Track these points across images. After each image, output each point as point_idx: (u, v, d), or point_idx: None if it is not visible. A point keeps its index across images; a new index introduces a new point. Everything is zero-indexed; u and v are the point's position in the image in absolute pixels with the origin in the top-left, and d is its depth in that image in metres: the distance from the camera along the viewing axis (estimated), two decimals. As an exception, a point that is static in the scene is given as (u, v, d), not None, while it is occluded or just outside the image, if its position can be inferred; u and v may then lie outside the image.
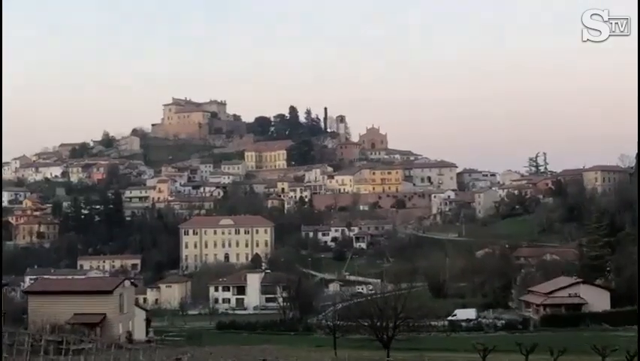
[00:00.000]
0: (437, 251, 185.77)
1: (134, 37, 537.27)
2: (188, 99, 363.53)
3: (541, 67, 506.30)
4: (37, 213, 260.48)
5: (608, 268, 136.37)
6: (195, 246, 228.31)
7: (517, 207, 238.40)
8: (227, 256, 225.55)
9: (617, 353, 59.34)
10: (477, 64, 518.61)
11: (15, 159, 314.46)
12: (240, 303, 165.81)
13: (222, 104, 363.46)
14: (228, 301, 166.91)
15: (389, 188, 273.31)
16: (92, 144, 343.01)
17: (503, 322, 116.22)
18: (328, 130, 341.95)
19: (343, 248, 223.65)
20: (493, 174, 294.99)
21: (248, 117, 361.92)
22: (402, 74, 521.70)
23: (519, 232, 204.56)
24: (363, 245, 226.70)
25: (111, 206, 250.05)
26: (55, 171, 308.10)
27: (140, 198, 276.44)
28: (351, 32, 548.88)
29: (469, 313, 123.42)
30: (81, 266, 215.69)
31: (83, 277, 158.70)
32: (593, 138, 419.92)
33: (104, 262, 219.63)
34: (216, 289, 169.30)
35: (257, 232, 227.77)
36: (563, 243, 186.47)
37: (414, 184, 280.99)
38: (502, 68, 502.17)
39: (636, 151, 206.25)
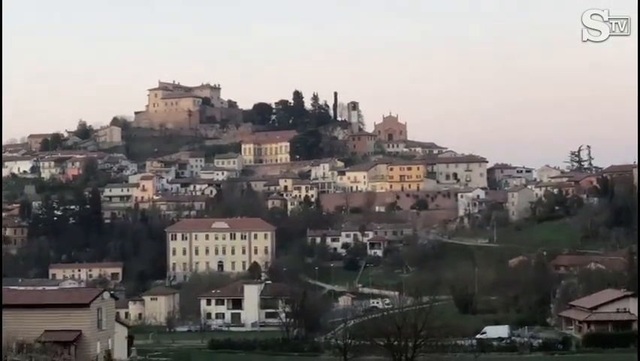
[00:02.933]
0: (464, 260, 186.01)
1: (114, 12, 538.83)
2: (176, 83, 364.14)
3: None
4: (2, 214, 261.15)
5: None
6: (184, 253, 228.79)
7: (556, 208, 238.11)
8: (221, 265, 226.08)
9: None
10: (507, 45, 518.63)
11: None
12: (235, 319, 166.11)
13: (216, 88, 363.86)
14: (222, 316, 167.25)
15: (409, 186, 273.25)
16: (66, 135, 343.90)
17: (540, 341, 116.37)
18: (338, 119, 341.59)
19: (356, 256, 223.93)
20: (528, 171, 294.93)
21: (245, 104, 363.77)
22: (422, 53, 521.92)
23: (559, 238, 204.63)
24: (379, 252, 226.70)
25: (88, 206, 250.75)
26: (24, 166, 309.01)
27: (122, 197, 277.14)
28: (361, 7, 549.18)
29: (501, 331, 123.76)
30: (53, 276, 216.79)
31: (56, 288, 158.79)
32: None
33: (79, 270, 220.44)
34: (208, 303, 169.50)
35: (255, 236, 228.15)
36: (610, 250, 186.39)
37: (438, 182, 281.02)
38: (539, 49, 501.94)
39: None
